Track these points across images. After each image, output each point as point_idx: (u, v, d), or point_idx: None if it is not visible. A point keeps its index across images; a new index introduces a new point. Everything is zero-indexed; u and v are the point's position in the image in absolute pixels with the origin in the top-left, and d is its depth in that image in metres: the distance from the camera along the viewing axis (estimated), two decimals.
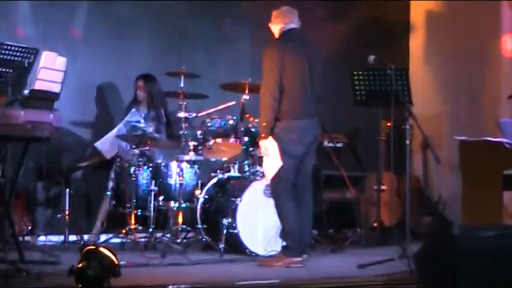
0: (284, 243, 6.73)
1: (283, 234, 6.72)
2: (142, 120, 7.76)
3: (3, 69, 5.89)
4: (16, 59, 5.93)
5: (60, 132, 6.41)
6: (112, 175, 7.82)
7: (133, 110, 7.85)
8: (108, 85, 7.85)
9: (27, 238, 7.46)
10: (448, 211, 8.97)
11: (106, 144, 7.81)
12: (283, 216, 6.71)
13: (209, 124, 7.63)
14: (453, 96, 9.40)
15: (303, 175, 6.84)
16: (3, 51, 5.86)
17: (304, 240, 6.76)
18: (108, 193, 7.74)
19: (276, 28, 6.89)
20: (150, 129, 7.88)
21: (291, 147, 6.68)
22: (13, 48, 5.92)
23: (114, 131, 7.76)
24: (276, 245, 6.95)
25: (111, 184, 7.77)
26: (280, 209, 6.73)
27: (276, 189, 6.76)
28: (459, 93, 9.29)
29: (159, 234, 7.54)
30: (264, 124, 6.62)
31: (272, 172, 6.68)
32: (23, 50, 5.96)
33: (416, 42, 10.00)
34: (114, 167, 7.84)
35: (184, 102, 7.69)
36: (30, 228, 7.62)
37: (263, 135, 6.64)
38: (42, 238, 7.56)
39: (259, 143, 6.73)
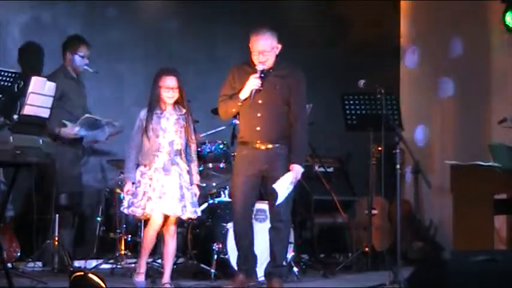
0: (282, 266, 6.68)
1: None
2: None
3: None
4: (6, 84, 5.91)
5: (51, 157, 6.34)
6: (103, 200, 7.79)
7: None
8: (99, 110, 7.80)
9: (16, 264, 7.41)
10: (439, 236, 8.96)
11: None
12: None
13: (199, 149, 7.61)
14: (444, 120, 9.40)
15: None
16: None
17: None
18: (98, 218, 7.74)
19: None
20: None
21: None
22: (2, 73, 5.90)
23: None
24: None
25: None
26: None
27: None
28: (450, 117, 9.29)
29: (149, 260, 7.48)
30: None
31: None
32: (13, 75, 5.95)
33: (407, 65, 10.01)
34: (104, 193, 7.82)
35: None
36: (19, 254, 7.56)
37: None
38: (31, 264, 7.50)
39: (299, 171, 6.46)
